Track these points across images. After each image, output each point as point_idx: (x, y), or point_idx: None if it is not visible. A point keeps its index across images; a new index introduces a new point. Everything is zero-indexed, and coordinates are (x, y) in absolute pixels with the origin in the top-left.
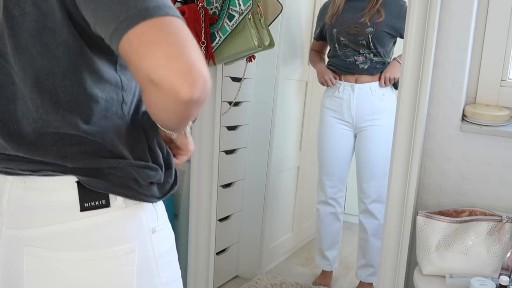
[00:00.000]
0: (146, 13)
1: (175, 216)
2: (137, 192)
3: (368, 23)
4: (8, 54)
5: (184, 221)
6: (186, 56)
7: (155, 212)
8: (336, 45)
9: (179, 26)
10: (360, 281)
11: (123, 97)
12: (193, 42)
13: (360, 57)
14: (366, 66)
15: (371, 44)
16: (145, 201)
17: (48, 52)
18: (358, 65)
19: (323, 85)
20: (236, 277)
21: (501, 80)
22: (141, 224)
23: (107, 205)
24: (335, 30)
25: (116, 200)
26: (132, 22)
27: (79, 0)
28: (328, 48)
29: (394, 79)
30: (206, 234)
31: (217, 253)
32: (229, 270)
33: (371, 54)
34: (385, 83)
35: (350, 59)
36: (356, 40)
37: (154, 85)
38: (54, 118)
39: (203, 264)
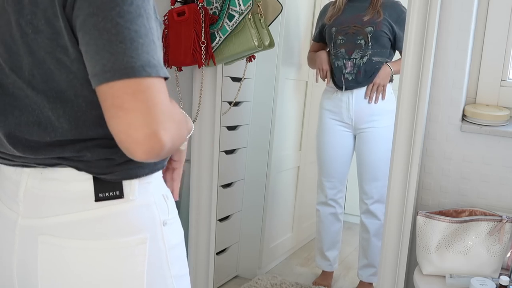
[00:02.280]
0: (129, 72)
1: None
2: (149, 168)
3: (368, 23)
4: (22, 70)
5: (184, 221)
6: (147, 126)
7: (166, 206)
8: (332, 44)
9: (154, 91)
10: (361, 281)
11: None
12: (163, 108)
13: (349, 63)
14: (351, 78)
15: (370, 44)
16: (159, 169)
17: (64, 67)
18: (344, 74)
19: (319, 72)
20: (236, 277)
21: (501, 80)
22: (153, 216)
23: (120, 196)
24: (334, 29)
25: (130, 192)
26: (114, 76)
27: (77, 27)
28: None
29: (383, 86)
30: (206, 234)
31: (217, 253)
32: (229, 270)
33: (363, 58)
34: (375, 90)
35: (339, 62)
36: (353, 40)
37: (117, 141)
38: (75, 125)
39: (203, 264)
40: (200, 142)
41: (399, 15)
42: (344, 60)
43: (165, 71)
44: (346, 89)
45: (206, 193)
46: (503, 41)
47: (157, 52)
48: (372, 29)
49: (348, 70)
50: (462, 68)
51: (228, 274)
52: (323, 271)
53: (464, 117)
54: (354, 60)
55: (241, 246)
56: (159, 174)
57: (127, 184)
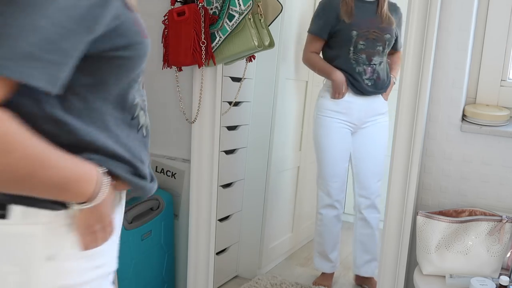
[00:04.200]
0: None
1: (175, 216)
2: (38, 200)
3: (386, 30)
4: None
5: (184, 221)
6: None
7: (61, 239)
8: (351, 48)
9: None
10: (364, 277)
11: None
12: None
13: (369, 68)
14: (370, 84)
15: (386, 50)
16: (49, 208)
17: None
18: (364, 80)
19: (336, 93)
20: (236, 277)
21: (501, 80)
22: (34, 247)
23: (3, 216)
24: (354, 32)
25: (15, 215)
26: None
27: None
28: (330, 47)
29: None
30: (206, 234)
31: (217, 253)
32: (229, 270)
33: (381, 64)
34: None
35: (359, 68)
36: (373, 46)
37: None
38: None
39: (203, 264)
40: (200, 142)
41: (400, 18)
42: (364, 66)
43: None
44: (364, 94)
45: (206, 193)
46: (503, 41)
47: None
48: (389, 36)
49: (367, 76)
50: (462, 68)
51: (228, 274)
52: (323, 272)
53: (464, 117)
54: (374, 66)
55: (241, 246)
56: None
57: (11, 207)
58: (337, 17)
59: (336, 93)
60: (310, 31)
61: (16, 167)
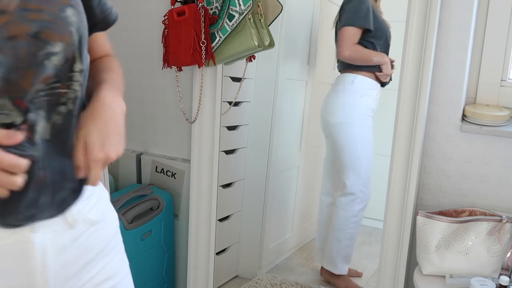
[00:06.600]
0: None
1: (175, 216)
2: None
3: None
4: None
5: (184, 221)
6: None
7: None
8: (385, 46)
9: None
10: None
11: None
12: None
13: None
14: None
15: None
16: None
17: None
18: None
19: (387, 75)
20: (236, 277)
21: (501, 80)
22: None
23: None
24: (389, 31)
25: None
26: None
27: None
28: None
29: None
30: (206, 234)
31: (217, 253)
32: (229, 270)
33: None
34: None
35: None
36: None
37: None
38: None
39: (203, 264)
40: (200, 142)
41: None
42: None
43: None
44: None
45: (206, 193)
46: (503, 41)
47: None
48: None
49: None
50: (462, 68)
51: (228, 274)
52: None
53: (464, 117)
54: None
55: (241, 246)
56: None
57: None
58: (373, 10)
59: (386, 75)
60: (355, 24)
61: None
